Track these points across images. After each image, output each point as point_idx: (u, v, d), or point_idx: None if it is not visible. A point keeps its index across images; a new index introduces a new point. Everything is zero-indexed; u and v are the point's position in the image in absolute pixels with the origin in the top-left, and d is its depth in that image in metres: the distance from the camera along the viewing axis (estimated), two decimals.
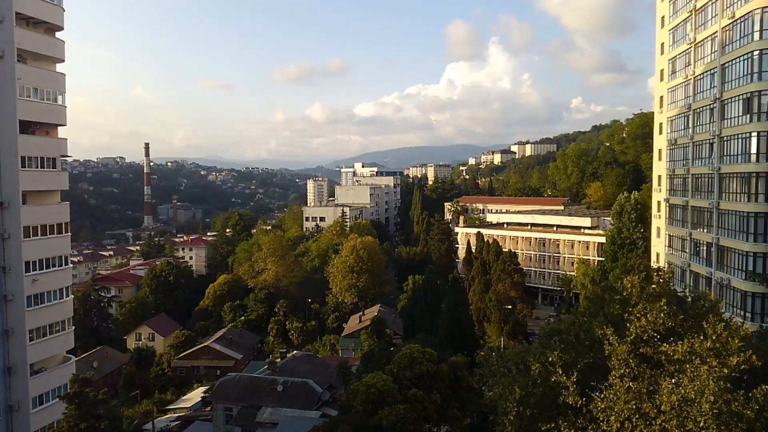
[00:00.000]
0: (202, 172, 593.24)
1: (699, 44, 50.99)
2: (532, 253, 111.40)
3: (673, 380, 17.76)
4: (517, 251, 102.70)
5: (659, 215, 62.43)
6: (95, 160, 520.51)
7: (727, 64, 45.23)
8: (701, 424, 16.77)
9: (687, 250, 53.60)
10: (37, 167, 45.15)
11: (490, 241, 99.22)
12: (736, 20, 43.48)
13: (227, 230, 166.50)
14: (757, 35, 40.80)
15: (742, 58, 42.55)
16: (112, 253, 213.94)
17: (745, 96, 42.13)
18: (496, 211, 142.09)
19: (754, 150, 41.39)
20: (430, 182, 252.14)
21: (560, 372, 19.20)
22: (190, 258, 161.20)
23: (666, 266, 49.67)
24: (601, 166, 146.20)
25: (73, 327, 50.06)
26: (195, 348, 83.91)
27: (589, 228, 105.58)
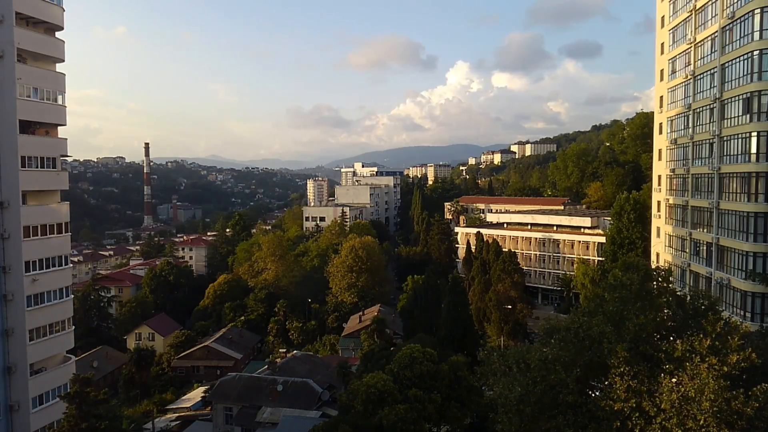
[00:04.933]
0: (202, 172, 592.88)
1: (699, 44, 50.98)
2: (532, 252, 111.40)
3: (674, 379, 17.73)
4: (516, 251, 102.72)
5: (659, 215, 62.42)
6: (95, 160, 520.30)
7: (727, 64, 45.21)
8: (701, 422, 16.75)
9: (687, 250, 53.58)
10: (37, 167, 45.15)
11: (490, 241, 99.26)
12: (736, 20, 43.48)
13: (227, 230, 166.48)
14: (757, 35, 40.77)
15: (742, 58, 42.54)
16: (112, 253, 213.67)
17: (745, 96, 42.12)
18: (496, 210, 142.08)
19: (754, 150, 41.35)
20: (430, 182, 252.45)
21: (560, 370, 19.17)
22: (190, 258, 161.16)
23: (666, 266, 49.65)
24: (601, 166, 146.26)
25: (73, 327, 50.04)
26: (195, 348, 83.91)
27: (589, 228, 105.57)
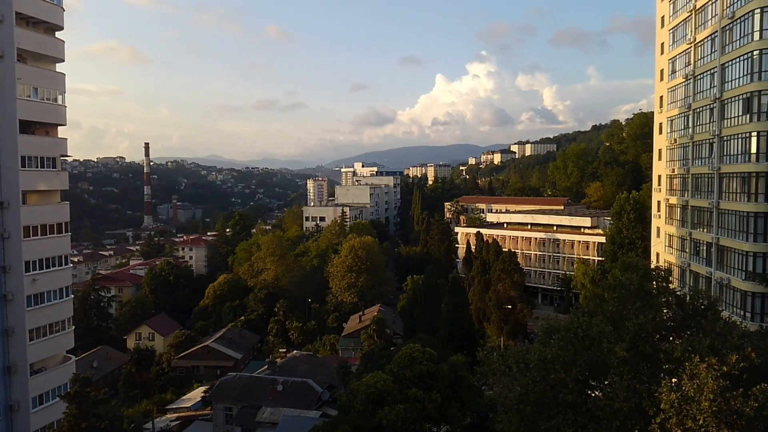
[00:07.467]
0: (202, 172, 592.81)
1: (699, 44, 50.97)
2: (532, 252, 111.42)
3: (673, 379, 17.72)
4: (516, 251, 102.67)
5: (659, 215, 62.40)
6: (95, 160, 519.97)
7: (726, 64, 45.18)
8: (701, 421, 16.74)
9: (687, 250, 53.56)
10: (37, 167, 45.17)
11: (490, 241, 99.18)
12: (735, 20, 43.47)
13: (227, 230, 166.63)
14: (756, 35, 40.73)
15: (741, 58, 42.51)
16: (112, 252, 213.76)
17: (745, 96, 42.09)
18: (496, 210, 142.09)
19: (754, 150, 41.28)
20: (430, 182, 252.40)
21: (559, 370, 19.16)
22: (190, 258, 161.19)
23: (666, 266, 49.63)
24: (601, 165, 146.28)
25: (73, 327, 50.05)
26: (195, 348, 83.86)
27: (589, 228, 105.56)
